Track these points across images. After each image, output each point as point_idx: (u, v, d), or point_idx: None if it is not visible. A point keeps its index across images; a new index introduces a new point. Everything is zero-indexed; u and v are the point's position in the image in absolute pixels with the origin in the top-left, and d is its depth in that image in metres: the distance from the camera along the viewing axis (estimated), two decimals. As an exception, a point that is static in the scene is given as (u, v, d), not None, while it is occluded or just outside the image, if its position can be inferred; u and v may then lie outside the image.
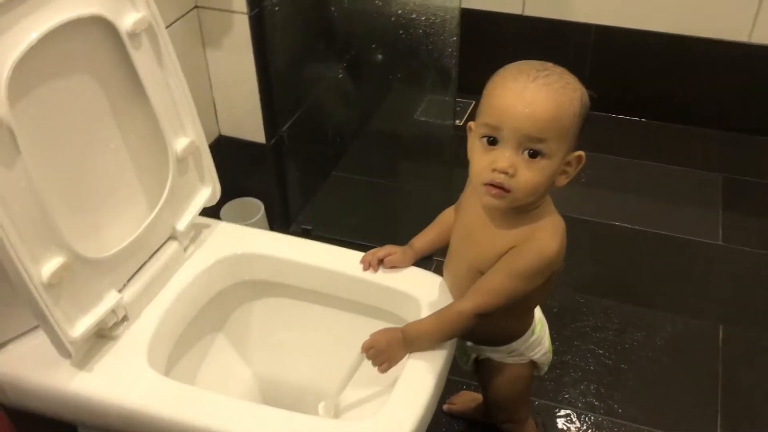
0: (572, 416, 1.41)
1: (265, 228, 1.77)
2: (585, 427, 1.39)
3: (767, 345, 1.54)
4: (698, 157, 2.10)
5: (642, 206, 1.93)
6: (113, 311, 1.00)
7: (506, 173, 0.88)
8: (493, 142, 0.89)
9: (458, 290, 1.04)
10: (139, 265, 1.07)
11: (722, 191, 1.97)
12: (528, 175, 0.88)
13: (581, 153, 0.92)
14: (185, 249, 1.15)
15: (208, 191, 1.18)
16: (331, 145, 2.01)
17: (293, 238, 1.20)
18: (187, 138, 1.11)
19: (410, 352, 0.99)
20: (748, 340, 1.55)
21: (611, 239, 1.83)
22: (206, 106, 1.62)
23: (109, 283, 1.00)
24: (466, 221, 1.02)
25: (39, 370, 0.98)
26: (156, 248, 1.10)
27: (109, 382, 0.97)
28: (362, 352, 1.00)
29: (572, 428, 1.39)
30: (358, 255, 1.14)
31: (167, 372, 1.08)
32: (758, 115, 2.15)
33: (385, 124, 2.15)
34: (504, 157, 0.88)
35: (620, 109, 2.27)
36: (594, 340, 1.55)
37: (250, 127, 1.65)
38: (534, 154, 0.87)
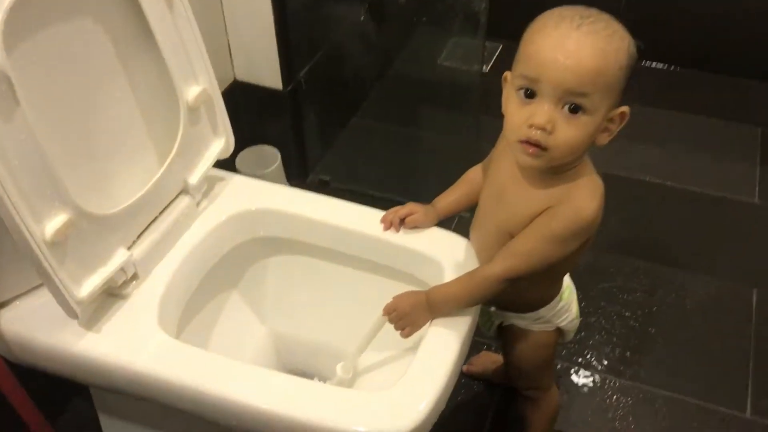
0: (596, 379, 1.37)
1: (281, 178, 1.71)
2: (609, 392, 1.35)
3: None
4: (737, 109, 1.99)
5: (676, 161, 1.84)
6: (122, 269, 0.96)
7: (544, 129, 0.81)
8: (530, 95, 0.82)
9: (486, 254, 0.98)
10: (149, 221, 1.02)
11: (761, 146, 1.88)
12: (568, 132, 0.81)
13: (625, 109, 0.84)
14: (197, 204, 1.09)
15: (221, 143, 1.12)
16: (351, 90, 1.94)
17: (310, 193, 1.15)
18: (198, 86, 1.04)
19: (434, 317, 0.94)
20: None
21: (643, 196, 1.75)
22: (221, 50, 1.54)
23: (117, 240, 0.95)
24: (498, 180, 0.95)
25: (45, 329, 0.94)
26: (167, 203, 1.05)
27: (117, 343, 0.93)
28: (384, 314, 0.95)
29: (596, 392, 1.35)
30: (379, 213, 1.08)
31: (180, 330, 1.04)
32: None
33: (408, 69, 2.07)
34: (542, 111, 0.81)
35: (653, 56, 2.15)
36: (621, 301, 1.50)
37: (267, 72, 1.58)
38: (575, 109, 0.80)
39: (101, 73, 0.94)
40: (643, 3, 2.05)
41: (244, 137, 1.67)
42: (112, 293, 0.97)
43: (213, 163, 1.11)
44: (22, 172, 0.80)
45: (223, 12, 1.50)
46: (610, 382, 1.36)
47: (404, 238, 1.05)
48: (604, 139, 0.86)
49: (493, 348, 1.40)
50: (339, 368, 1.07)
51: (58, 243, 0.85)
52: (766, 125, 1.94)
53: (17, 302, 0.98)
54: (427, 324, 0.94)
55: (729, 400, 1.33)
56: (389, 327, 0.97)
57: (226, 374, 0.89)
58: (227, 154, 1.14)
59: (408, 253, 1.05)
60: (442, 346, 0.92)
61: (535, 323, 1.04)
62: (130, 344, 0.93)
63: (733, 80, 2.09)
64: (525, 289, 0.97)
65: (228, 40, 1.55)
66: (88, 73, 0.92)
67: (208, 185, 1.12)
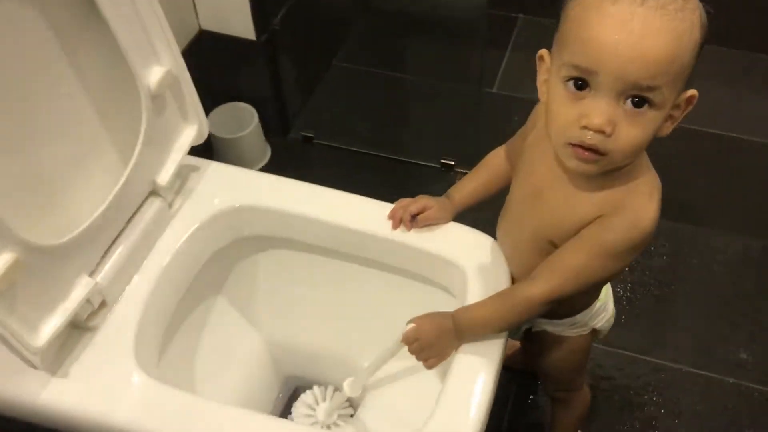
0: (620, 357, 1.25)
1: (259, 138, 1.54)
2: (634, 372, 1.24)
3: None
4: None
5: (706, 101, 1.66)
6: (88, 301, 0.80)
7: (602, 132, 0.65)
8: (582, 86, 0.65)
9: (520, 260, 0.84)
10: (114, 237, 0.85)
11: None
12: (631, 132, 0.65)
13: (694, 92, 0.68)
14: (170, 205, 0.92)
15: (193, 130, 0.94)
16: (331, 31, 1.72)
17: (302, 184, 0.98)
18: (161, 67, 0.85)
19: (462, 343, 0.80)
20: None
21: (666, 141, 1.59)
22: (184, -2, 1.33)
23: (77, 268, 0.79)
24: (535, 176, 0.79)
25: (4, 377, 0.79)
26: (133, 211, 0.88)
27: (89, 390, 0.78)
28: (404, 342, 0.81)
29: (621, 372, 1.24)
30: (385, 207, 0.93)
31: (162, 352, 0.90)
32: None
33: (392, 1, 1.85)
34: (599, 110, 0.64)
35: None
36: (642, 267, 1.37)
37: (237, 21, 1.37)
38: (640, 103, 0.64)
39: (39, 64, 0.75)
40: None
41: (214, 95, 1.48)
42: (78, 326, 0.82)
43: (184, 155, 0.93)
44: (-56, 212, 0.62)
45: (181, -48, 1.28)
46: (639, 362, 1.25)
47: (418, 238, 0.90)
48: (667, 129, 0.70)
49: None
50: (346, 386, 0.94)
51: (2, 292, 0.68)
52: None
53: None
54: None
55: (765, 376, 1.23)
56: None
57: (218, 426, 0.76)
58: (201, 140, 0.96)
59: (424, 256, 0.90)
60: (473, 379, 0.79)
61: (570, 329, 0.91)
62: (105, 391, 0.78)
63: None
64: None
65: (190, -15, 1.34)
66: (23, 65, 0.73)
67: (181, 180, 0.95)
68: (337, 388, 1.04)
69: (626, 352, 1.26)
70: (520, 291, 0.78)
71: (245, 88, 1.49)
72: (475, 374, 0.79)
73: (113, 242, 0.85)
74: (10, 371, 0.78)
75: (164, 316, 0.89)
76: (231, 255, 1.00)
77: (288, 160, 1.56)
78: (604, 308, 0.92)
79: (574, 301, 0.87)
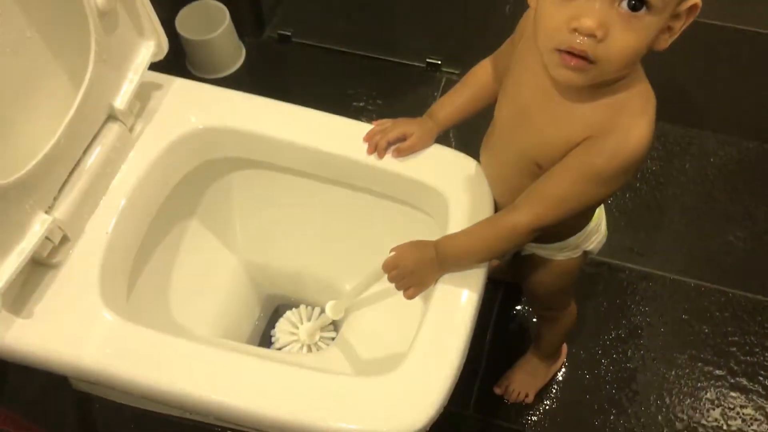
0: (609, 268, 1.23)
1: (232, 38, 1.44)
2: (625, 282, 1.22)
3: None
4: None
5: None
6: (47, 238, 0.75)
7: (593, 36, 0.58)
8: None
9: (504, 185, 0.79)
10: (71, 169, 0.79)
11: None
12: (625, 38, 0.59)
13: (697, 0, 0.61)
14: (131, 129, 0.86)
15: (150, 46, 0.86)
16: None
17: (274, 102, 0.91)
18: (109, -22, 0.76)
19: (443, 274, 0.77)
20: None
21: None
22: None
23: (31, 206, 0.74)
24: (522, 93, 0.73)
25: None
26: (90, 139, 0.81)
27: (53, 331, 0.75)
28: (384, 271, 0.77)
29: (611, 282, 1.22)
30: (365, 128, 0.86)
31: (132, 284, 0.87)
32: None
33: None
34: (592, 10, 0.58)
35: None
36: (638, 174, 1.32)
37: None
38: (637, 6, 0.58)
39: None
40: None
41: (181, -8, 1.38)
42: (40, 262, 0.78)
43: (143, 74, 0.86)
44: None
45: None
46: (623, 270, 1.23)
47: (397, 162, 0.85)
48: (665, 41, 0.63)
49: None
50: (328, 309, 0.92)
51: (-52, 238, 0.64)
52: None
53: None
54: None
55: (762, 287, 1.21)
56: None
57: (188, 366, 0.73)
58: (161, 56, 0.89)
59: (403, 181, 0.85)
60: (453, 313, 0.76)
61: (560, 252, 0.87)
62: (70, 331, 0.75)
63: None
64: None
65: None
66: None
67: (141, 100, 0.88)
68: (323, 310, 1.02)
69: (614, 261, 1.24)
70: (504, 219, 0.74)
71: (215, -17, 1.39)
72: (457, 299, 0.76)
73: (70, 174, 0.79)
74: (-28, 313, 0.75)
75: (132, 246, 0.85)
76: (201, 177, 0.95)
77: (264, 62, 1.47)
78: (597, 229, 0.88)
79: (565, 225, 0.82)
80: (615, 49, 0.59)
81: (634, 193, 1.30)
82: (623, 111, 0.66)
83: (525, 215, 0.72)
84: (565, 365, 1.15)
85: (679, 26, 0.63)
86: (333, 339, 1.03)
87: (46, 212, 0.76)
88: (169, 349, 0.75)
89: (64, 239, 0.79)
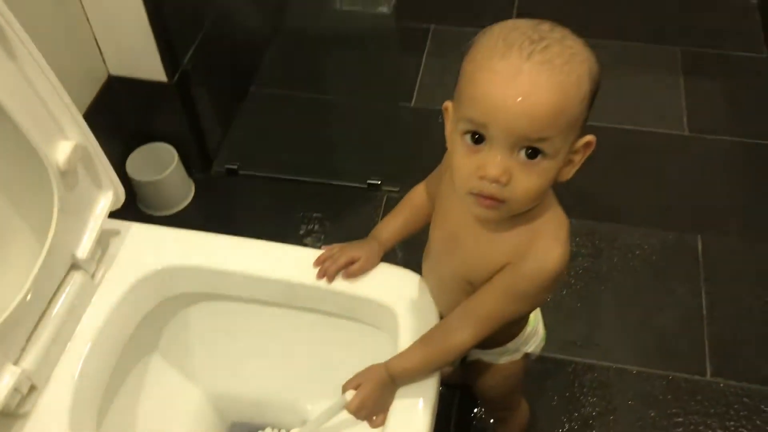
0: (554, 361, 1.30)
1: (182, 177, 1.52)
2: (570, 373, 1.29)
3: (747, 252, 1.45)
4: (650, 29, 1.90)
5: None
6: (15, 389, 0.78)
7: (498, 182, 0.67)
8: (479, 139, 0.68)
9: (446, 297, 0.86)
10: (37, 320, 0.83)
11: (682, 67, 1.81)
12: (526, 180, 0.67)
13: (591, 138, 0.71)
14: (93, 275, 0.91)
15: (109, 196, 0.93)
16: (244, 59, 1.71)
17: (225, 237, 0.97)
18: (69, 141, 0.84)
19: (398, 388, 0.82)
20: (728, 247, 1.45)
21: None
22: (86, 43, 1.30)
23: (0, 359, 0.77)
24: (449, 219, 0.82)
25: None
26: (55, 288, 0.86)
27: (25, 482, 0.77)
28: (353, 414, 0.82)
29: (556, 375, 1.29)
30: (312, 253, 0.93)
31: (99, 425, 0.89)
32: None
33: (303, 21, 1.85)
34: (494, 162, 0.66)
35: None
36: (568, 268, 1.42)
37: (146, 65, 1.36)
38: (533, 154, 0.67)
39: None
40: None
41: (131, 138, 1.46)
42: (8, 414, 0.80)
43: (102, 223, 0.92)
44: None
45: (82, 4, 1.25)
46: (569, 364, 1.30)
47: (347, 282, 0.91)
48: (567, 173, 0.72)
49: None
50: None
51: None
52: (683, 44, 1.86)
53: None
54: None
55: (687, 364, 1.29)
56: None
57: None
58: (119, 205, 0.95)
59: (354, 300, 0.91)
60: (412, 422, 0.81)
61: (501, 356, 0.94)
62: (42, 482, 0.77)
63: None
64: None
65: (92, 31, 1.30)
66: None
67: (101, 249, 0.94)
68: (288, 432, 1.05)
69: (558, 356, 1.31)
70: (447, 341, 0.80)
71: (162, 128, 1.48)
72: (414, 408, 0.81)
73: (36, 325, 0.83)
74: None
75: (97, 389, 0.88)
76: (160, 315, 0.99)
77: (213, 196, 1.55)
78: (535, 332, 0.95)
79: (503, 333, 0.90)
80: (519, 190, 0.68)
81: (569, 289, 1.40)
82: (538, 236, 0.74)
83: (465, 335, 0.79)
84: (524, 459, 1.19)
85: (579, 159, 0.72)
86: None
87: (14, 363, 0.79)
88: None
89: (32, 388, 0.82)
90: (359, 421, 0.85)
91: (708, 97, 1.73)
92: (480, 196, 0.69)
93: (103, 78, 1.36)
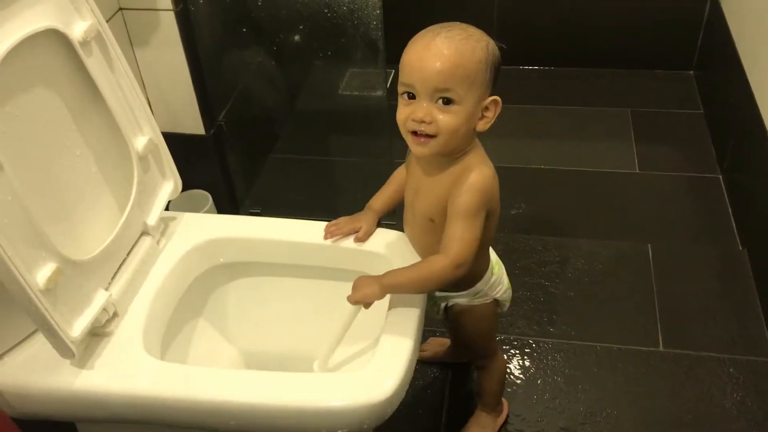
0: (531, 344, 1.54)
1: (215, 217, 1.82)
2: (544, 353, 1.53)
3: (690, 255, 1.72)
4: (606, 96, 2.27)
5: (564, 148, 2.08)
6: (104, 309, 1.05)
7: (424, 122, 0.97)
8: (412, 96, 0.98)
9: (417, 240, 1.14)
10: (120, 263, 1.12)
11: (632, 124, 2.15)
12: (445, 119, 0.97)
13: (496, 97, 1.00)
14: (158, 242, 1.20)
15: (170, 185, 1.24)
16: (266, 127, 2.07)
17: (255, 218, 1.27)
18: (145, 136, 1.16)
19: (385, 294, 1.06)
20: (673, 254, 1.72)
21: (541, 181, 1.97)
22: (142, 106, 1.65)
23: (96, 283, 1.05)
24: (413, 178, 1.11)
25: (41, 375, 1.02)
26: (132, 245, 1.15)
27: (112, 374, 1.02)
28: (351, 302, 1.06)
29: (533, 355, 1.52)
30: (320, 225, 1.22)
31: (161, 359, 1.13)
32: (651, 52, 2.35)
33: (312, 102, 2.22)
34: (421, 108, 0.97)
35: (530, 61, 2.41)
36: (540, 273, 1.69)
37: (188, 121, 1.69)
38: (447, 102, 0.96)
39: (61, 134, 1.04)
40: (513, 16, 2.30)
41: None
42: (97, 333, 1.06)
43: (166, 205, 1.22)
44: (11, 229, 0.89)
45: (139, 71, 1.61)
46: (544, 344, 1.54)
47: (349, 241, 1.20)
48: (483, 125, 1.01)
49: (437, 334, 1.55)
50: (315, 366, 1.18)
51: (49, 290, 0.94)
52: (632, 106, 2.22)
53: (6, 358, 1.05)
54: (385, 312, 1.08)
55: (644, 339, 1.53)
56: (354, 329, 1.09)
57: (217, 381, 1.00)
58: (177, 194, 1.25)
59: (355, 253, 1.19)
60: (401, 331, 1.05)
61: (474, 298, 1.19)
62: (125, 372, 1.01)
63: (598, 71, 2.37)
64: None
65: (147, 96, 1.66)
66: (50, 135, 1.01)
67: (164, 225, 1.23)
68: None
69: (534, 338, 1.55)
70: (434, 262, 1.03)
71: (198, 176, 1.79)
72: (402, 330, 1.05)
73: (119, 267, 1.11)
74: (48, 370, 1.02)
75: (161, 325, 1.14)
76: (207, 283, 1.27)
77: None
78: (500, 281, 1.21)
79: (470, 271, 1.16)
80: (442, 125, 0.97)
81: (543, 289, 1.65)
82: (467, 166, 1.03)
83: (446, 258, 1.02)
84: (508, 418, 1.41)
85: (491, 115, 1.01)
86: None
87: (105, 289, 1.07)
88: (201, 373, 1.02)
89: (115, 314, 1.08)
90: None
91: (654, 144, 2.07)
92: (414, 134, 0.99)
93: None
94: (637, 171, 1.98)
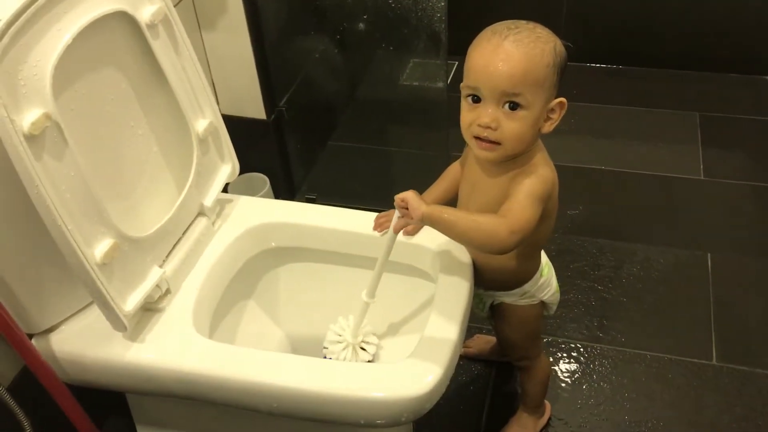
0: (579, 348, 1.52)
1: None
2: (592, 358, 1.50)
3: (753, 268, 1.66)
4: (674, 98, 2.20)
5: (627, 149, 2.03)
6: (158, 285, 1.08)
7: (489, 128, 0.96)
8: (477, 100, 0.97)
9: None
10: (175, 242, 1.15)
11: (700, 129, 2.08)
12: (512, 125, 0.95)
13: (562, 99, 0.99)
14: (213, 223, 1.22)
15: (228, 168, 1.26)
16: (326, 115, 2.09)
17: (309, 205, 1.29)
18: (206, 119, 1.18)
19: (425, 223, 1.00)
20: (734, 265, 1.67)
21: (601, 183, 1.93)
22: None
23: (151, 259, 1.08)
24: (471, 174, 1.10)
25: (95, 345, 1.06)
26: (188, 224, 1.18)
27: (162, 349, 1.05)
28: (397, 200, 1.02)
29: (580, 359, 1.50)
30: (371, 215, 1.22)
31: (210, 337, 1.16)
32: (725, 54, 2.26)
33: (373, 91, 2.22)
34: (486, 113, 0.96)
35: (597, 58, 2.36)
36: (593, 277, 1.66)
37: (250, 105, 1.72)
38: (513, 107, 0.95)
39: (125, 114, 1.07)
40: (583, 12, 2.25)
41: (233, 167, 1.81)
42: (149, 308, 1.10)
43: (223, 187, 1.24)
44: (73, 204, 0.92)
45: (205, 53, 1.64)
46: (592, 349, 1.52)
47: (400, 234, 1.19)
48: (548, 127, 1.00)
49: (484, 331, 1.54)
50: (363, 295, 1.14)
51: (106, 264, 0.97)
52: (701, 110, 2.15)
53: (63, 326, 1.09)
54: (429, 309, 1.08)
55: (697, 351, 1.49)
56: (395, 319, 1.09)
57: (264, 363, 1.02)
58: (234, 177, 1.28)
59: (402, 245, 1.18)
60: (445, 326, 1.05)
61: (521, 298, 1.19)
62: (175, 349, 1.05)
63: (669, 72, 2.30)
64: (509, 267, 1.12)
65: (212, 78, 1.69)
66: (115, 114, 1.05)
67: (220, 207, 1.26)
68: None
69: (583, 342, 1.53)
70: (486, 216, 0.97)
71: (258, 159, 1.82)
72: (446, 324, 1.05)
73: (175, 245, 1.14)
74: (101, 341, 1.06)
75: (212, 305, 1.17)
76: (258, 266, 1.29)
77: (295, 218, 1.87)
78: (548, 283, 1.20)
79: (520, 269, 1.15)
80: (507, 132, 0.96)
81: (595, 293, 1.63)
82: (530, 167, 1.01)
83: (503, 218, 0.95)
84: (550, 420, 1.39)
85: (557, 116, 0.99)
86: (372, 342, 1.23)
87: (160, 266, 1.10)
88: (250, 354, 1.04)
89: (168, 291, 1.11)
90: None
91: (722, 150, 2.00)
92: (479, 139, 0.98)
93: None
94: (702, 177, 1.92)
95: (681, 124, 2.12)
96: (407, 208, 0.98)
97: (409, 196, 0.99)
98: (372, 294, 1.13)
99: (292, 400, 1.00)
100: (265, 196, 1.80)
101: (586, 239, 1.75)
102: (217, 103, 1.72)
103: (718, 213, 1.82)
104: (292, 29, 1.78)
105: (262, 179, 1.83)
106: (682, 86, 2.27)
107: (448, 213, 0.96)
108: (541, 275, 1.18)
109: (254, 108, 1.73)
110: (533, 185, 0.99)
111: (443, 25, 1.56)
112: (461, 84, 1.00)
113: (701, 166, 1.95)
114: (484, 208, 1.07)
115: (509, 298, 1.19)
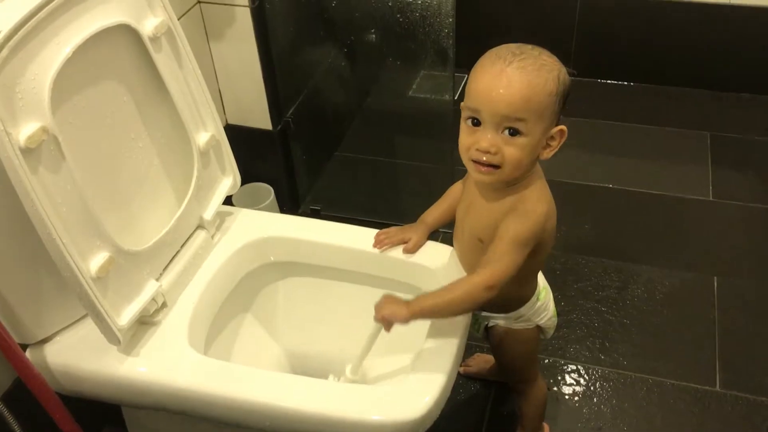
0: (580, 370, 1.50)
1: (275, 211, 1.84)
2: (593, 380, 1.48)
3: (760, 293, 1.64)
4: (685, 117, 2.18)
5: (636, 168, 2.01)
6: (153, 299, 1.08)
7: (489, 153, 0.95)
8: (476, 123, 0.96)
9: (465, 258, 1.13)
10: (173, 255, 1.14)
11: (710, 149, 2.06)
12: (511, 151, 0.95)
13: (563, 127, 0.98)
14: (212, 236, 1.22)
15: (229, 181, 1.25)
16: (332, 126, 2.08)
17: (310, 219, 1.28)
18: (208, 132, 1.18)
19: (415, 318, 1.01)
20: (741, 290, 1.65)
21: (607, 201, 1.91)
22: (212, 97, 1.67)
23: (147, 273, 1.08)
24: (468, 195, 1.10)
25: (89, 357, 1.06)
26: (186, 237, 1.17)
27: (155, 364, 1.04)
28: (376, 320, 1.03)
29: (581, 381, 1.48)
30: (372, 232, 1.22)
31: (205, 352, 1.16)
32: (738, 73, 2.24)
33: (382, 103, 2.22)
34: (486, 138, 0.95)
35: (608, 74, 2.34)
36: (597, 298, 1.64)
37: (257, 115, 1.72)
38: (513, 133, 0.94)
39: (125, 126, 1.06)
40: (594, 28, 2.24)
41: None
42: (145, 322, 1.09)
43: (223, 200, 1.24)
44: (69, 217, 0.92)
45: (213, 63, 1.64)
46: (593, 371, 1.50)
47: (398, 251, 1.19)
48: (547, 154, 0.99)
49: (485, 350, 1.53)
50: (347, 370, 1.17)
51: (101, 278, 0.97)
52: (712, 129, 2.13)
53: (58, 337, 1.09)
54: (425, 329, 1.07)
55: (700, 377, 1.47)
56: (391, 337, 1.08)
57: (257, 382, 1.02)
58: (235, 190, 1.27)
59: (402, 264, 1.18)
60: (441, 348, 1.05)
61: (516, 322, 1.17)
62: (169, 364, 1.04)
63: (680, 90, 2.28)
64: (505, 291, 1.09)
65: (219, 88, 1.69)
66: (115, 126, 1.04)
67: (220, 219, 1.25)
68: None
69: (585, 364, 1.51)
70: (464, 282, 1.01)
71: (263, 170, 1.82)
72: (443, 345, 1.05)
73: (172, 259, 1.14)
74: (95, 353, 1.05)
75: (208, 319, 1.16)
76: (257, 280, 1.28)
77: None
78: (545, 308, 1.18)
79: (515, 297, 1.14)
80: (506, 157, 0.95)
81: (598, 314, 1.61)
82: (524, 198, 1.00)
83: (478, 276, 0.99)
84: (548, 443, 1.38)
85: (556, 144, 0.99)
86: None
87: (156, 279, 1.09)
88: (243, 372, 1.04)
89: (164, 304, 1.11)
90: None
91: (732, 171, 1.98)
92: (478, 163, 0.97)
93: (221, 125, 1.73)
94: (711, 198, 1.89)
95: (691, 143, 2.09)
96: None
97: (386, 310, 1.01)
98: (356, 371, 1.13)
99: (285, 420, 1.00)
100: (269, 206, 1.80)
101: (591, 259, 1.74)
102: (224, 112, 1.73)
103: (726, 235, 1.79)
104: (299, 41, 1.78)
105: (266, 189, 1.83)
106: (693, 105, 2.24)
107: (428, 302, 1.00)
108: (537, 299, 1.17)
109: (261, 118, 1.72)
110: (519, 231, 0.98)
111: (451, 42, 1.55)
112: (461, 104, 0.99)
113: (710, 187, 1.93)
114: (474, 233, 1.07)
115: (504, 321, 1.18)
